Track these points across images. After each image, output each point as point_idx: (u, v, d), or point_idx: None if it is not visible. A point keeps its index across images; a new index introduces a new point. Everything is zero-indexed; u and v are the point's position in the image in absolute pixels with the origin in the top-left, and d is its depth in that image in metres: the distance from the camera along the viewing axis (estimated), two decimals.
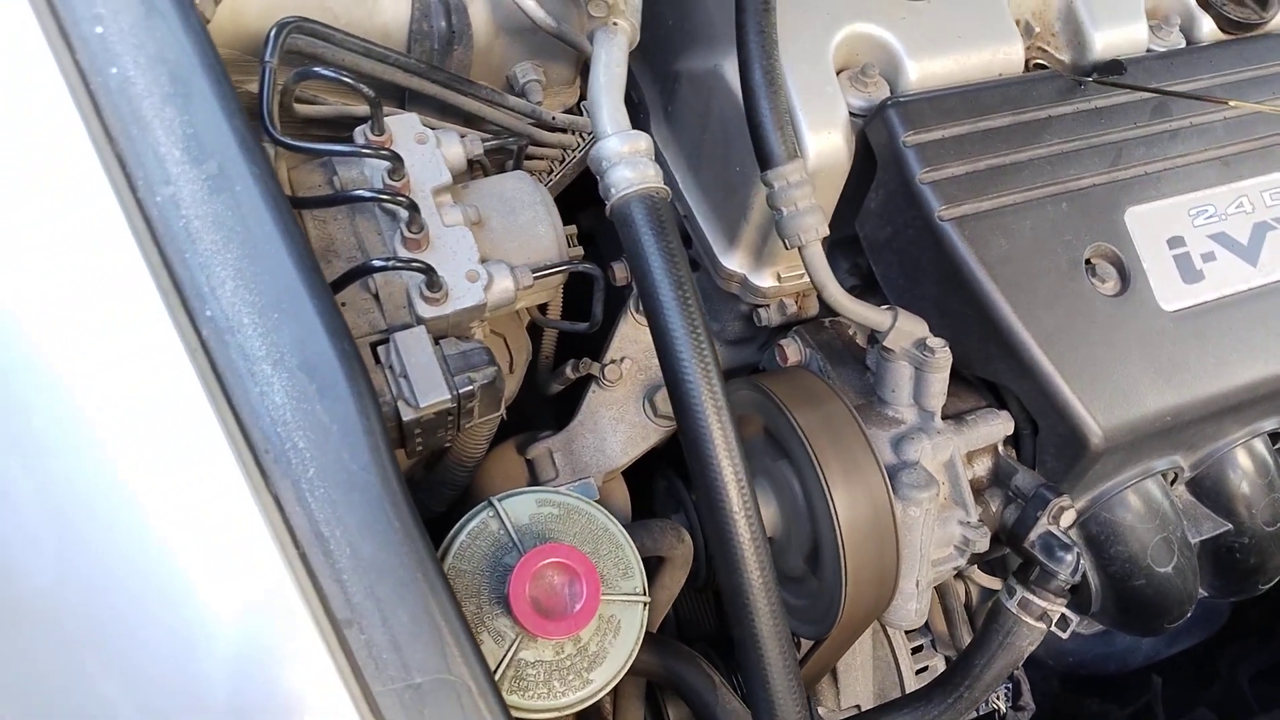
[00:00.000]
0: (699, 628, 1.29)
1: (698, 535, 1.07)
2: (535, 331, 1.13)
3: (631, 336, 1.14)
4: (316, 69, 0.77)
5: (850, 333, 1.05)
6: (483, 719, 0.61)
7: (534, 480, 1.11)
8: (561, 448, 1.11)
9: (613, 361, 1.12)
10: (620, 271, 1.13)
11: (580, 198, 1.14)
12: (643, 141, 0.83)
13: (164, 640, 0.58)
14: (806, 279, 1.06)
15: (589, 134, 1.10)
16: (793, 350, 1.05)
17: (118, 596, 0.57)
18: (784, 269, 1.06)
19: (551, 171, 1.12)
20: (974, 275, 0.90)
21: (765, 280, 1.06)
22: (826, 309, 1.13)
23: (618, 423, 1.12)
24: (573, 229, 1.05)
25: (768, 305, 1.10)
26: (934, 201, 0.91)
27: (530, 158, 1.06)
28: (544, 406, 1.23)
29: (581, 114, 1.10)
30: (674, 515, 1.15)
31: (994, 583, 1.26)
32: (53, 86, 0.60)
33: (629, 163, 0.82)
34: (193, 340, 0.59)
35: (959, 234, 0.91)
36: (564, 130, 1.06)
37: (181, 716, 0.58)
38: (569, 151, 1.10)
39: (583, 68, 1.15)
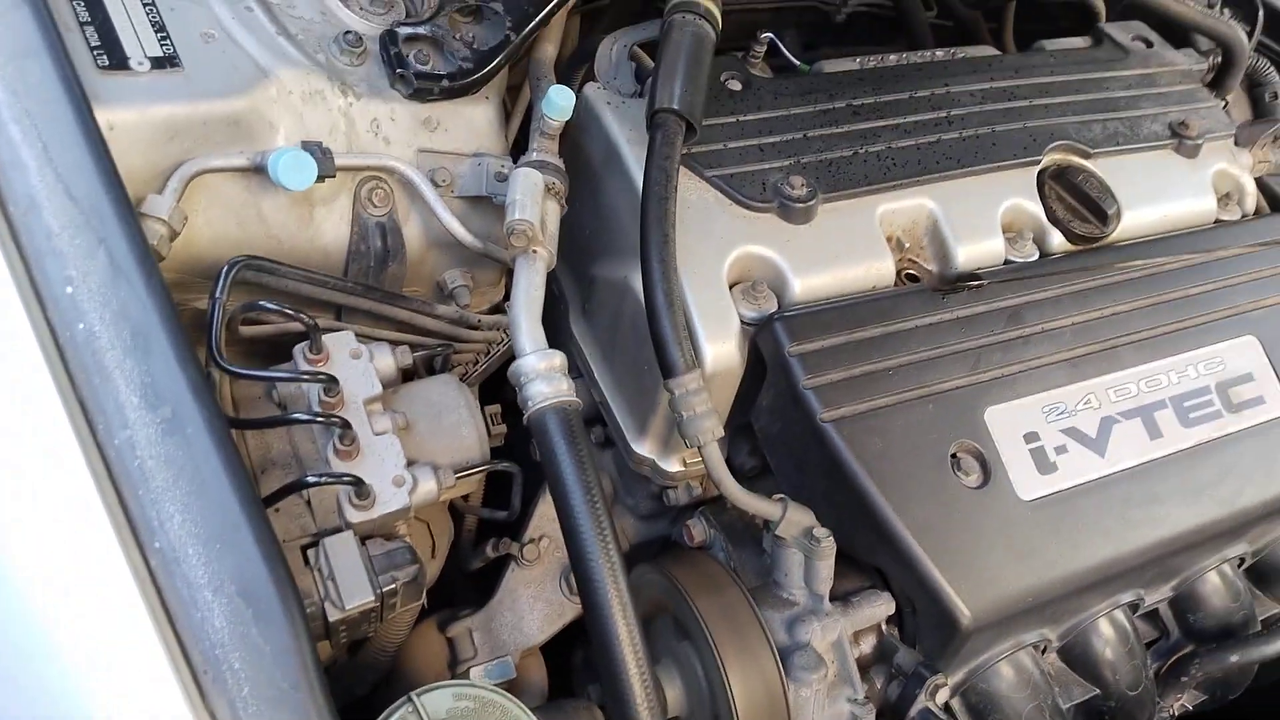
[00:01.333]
0: None
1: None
2: (457, 511, 1.21)
3: (549, 515, 1.22)
4: (261, 302, 0.86)
5: (749, 515, 1.15)
6: None
7: (453, 658, 1.16)
8: (480, 626, 1.17)
9: (531, 541, 1.19)
10: None
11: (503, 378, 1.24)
12: (557, 359, 0.93)
13: None
14: None
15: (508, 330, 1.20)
16: (698, 530, 1.14)
17: None
18: (689, 456, 1.16)
19: (477, 363, 1.21)
20: (853, 471, 1.01)
21: (672, 465, 1.16)
22: None
23: (535, 600, 1.19)
24: (496, 408, 1.14)
25: (675, 487, 1.19)
26: (816, 405, 1.02)
27: (458, 352, 1.15)
28: (465, 581, 1.29)
29: (505, 313, 1.20)
30: (590, 686, 1.21)
31: None
32: (24, 340, 0.67)
33: (545, 378, 0.92)
34: (142, 570, 0.66)
35: (838, 434, 1.02)
36: (490, 329, 1.17)
37: None
38: (494, 345, 1.20)
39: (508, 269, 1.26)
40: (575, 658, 1.26)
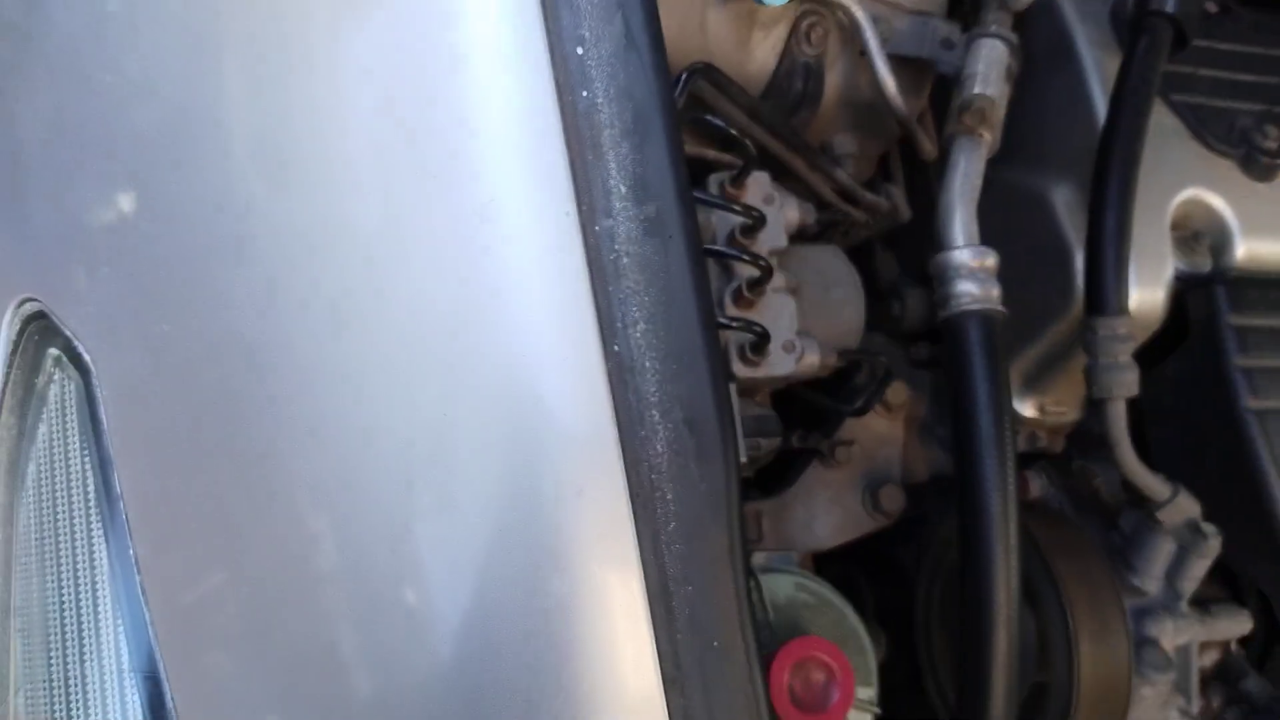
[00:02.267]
0: None
1: None
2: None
3: (864, 422, 1.14)
4: (709, 117, 0.79)
5: (1095, 481, 1.04)
6: None
7: None
8: (771, 513, 1.10)
9: (843, 443, 1.11)
10: None
11: None
12: (991, 259, 0.83)
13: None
14: (1067, 418, 1.06)
15: (881, 215, 1.10)
16: (1036, 484, 1.04)
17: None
18: (1050, 402, 1.05)
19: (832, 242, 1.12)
20: (1265, 472, 0.89)
21: (1028, 410, 1.05)
22: (1070, 451, 1.12)
23: (833, 504, 1.11)
24: None
25: (1017, 433, 1.09)
26: (1243, 389, 0.90)
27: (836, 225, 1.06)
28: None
29: (880, 194, 1.10)
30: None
31: None
32: (539, 96, 0.61)
33: (976, 278, 0.82)
34: (599, 370, 0.61)
35: (1260, 428, 0.89)
36: (863, 207, 1.06)
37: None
38: (856, 227, 1.10)
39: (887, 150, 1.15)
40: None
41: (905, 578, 1.12)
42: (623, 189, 0.63)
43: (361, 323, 0.59)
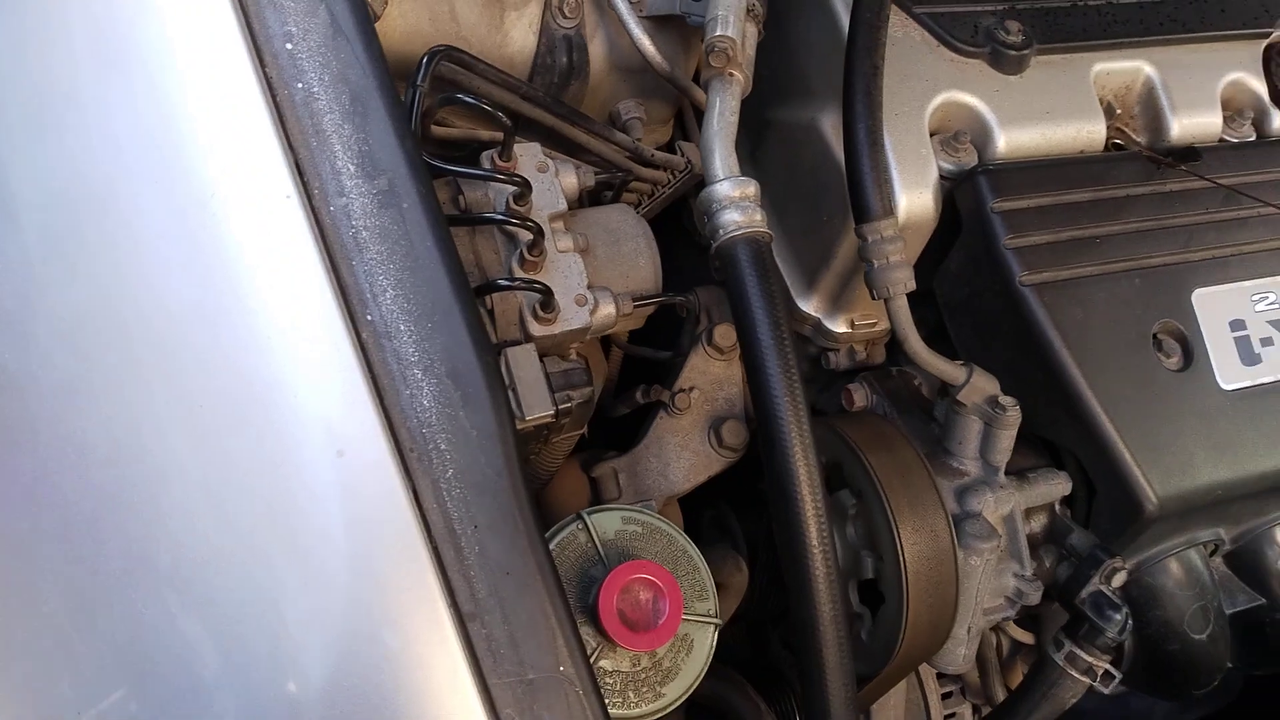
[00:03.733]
0: (734, 656, 1.33)
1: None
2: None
3: (701, 368, 1.18)
4: (461, 96, 0.82)
5: (915, 383, 1.10)
6: (586, 717, 0.65)
7: (596, 498, 1.15)
8: (626, 469, 1.14)
9: (682, 390, 1.16)
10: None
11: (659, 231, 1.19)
12: (751, 187, 0.88)
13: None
14: (878, 328, 1.12)
15: (679, 172, 1.15)
16: (859, 395, 1.09)
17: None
18: (858, 316, 1.11)
19: (640, 205, 1.16)
20: (1049, 341, 0.95)
21: (839, 326, 1.11)
22: (892, 359, 1.18)
23: (682, 449, 1.16)
24: None
25: (837, 350, 1.14)
26: (1016, 267, 0.96)
27: (628, 187, 1.11)
28: (599, 428, 1.27)
29: (676, 152, 1.15)
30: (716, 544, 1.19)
31: (1026, 637, 1.29)
32: (247, 95, 0.64)
33: (738, 207, 0.86)
34: (353, 340, 0.64)
35: (1038, 300, 0.95)
36: (658, 167, 1.11)
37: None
38: (659, 187, 1.15)
39: (678, 110, 1.21)
40: (703, 515, 1.23)
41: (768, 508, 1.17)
42: (351, 168, 0.66)
43: (109, 332, 0.61)
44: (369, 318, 0.65)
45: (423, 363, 0.65)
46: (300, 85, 0.66)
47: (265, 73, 0.66)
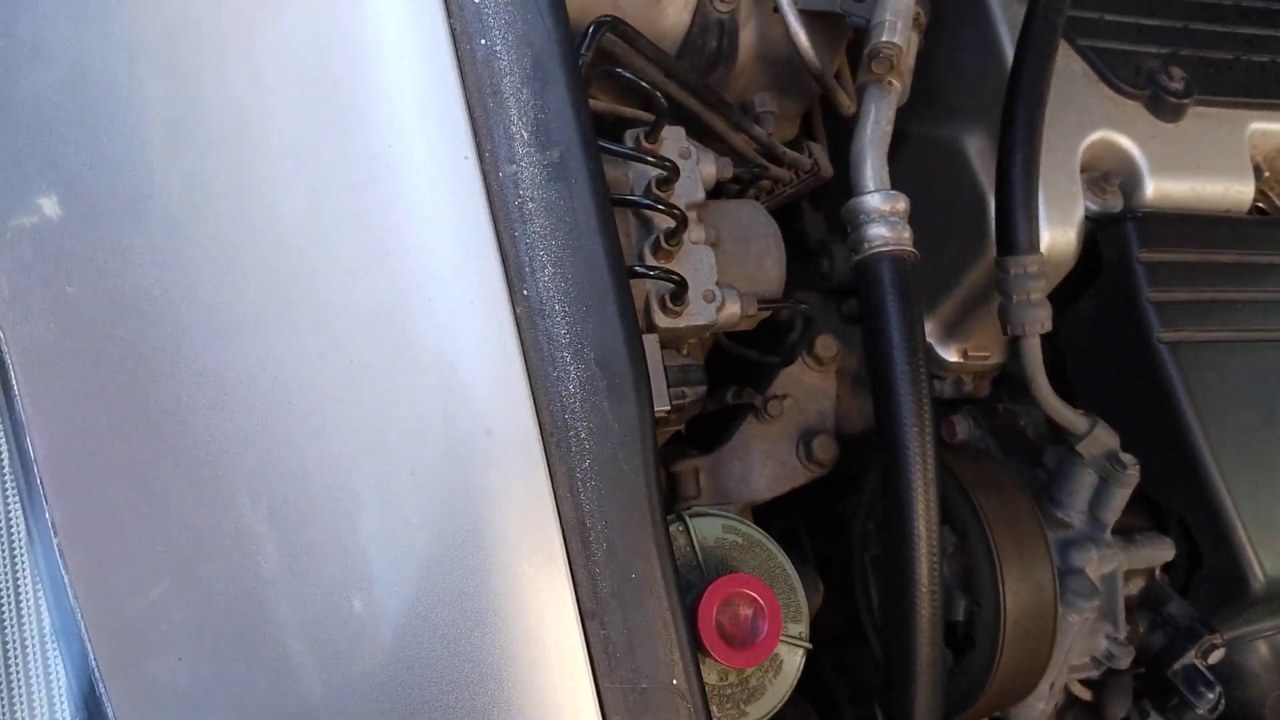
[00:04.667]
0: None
1: None
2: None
3: (797, 376, 1.16)
4: (621, 70, 0.80)
5: (1020, 424, 1.06)
6: None
7: (675, 494, 1.12)
8: (708, 469, 1.12)
9: (775, 397, 1.13)
10: None
11: None
12: (902, 203, 0.85)
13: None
14: (990, 361, 1.09)
15: (805, 173, 1.11)
16: (962, 428, 1.06)
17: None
18: (972, 347, 1.07)
19: (758, 201, 1.13)
20: (1179, 401, 0.91)
21: (951, 355, 1.07)
22: (995, 394, 1.15)
23: (768, 457, 1.13)
24: None
25: (944, 379, 1.11)
26: (1155, 322, 0.92)
27: (758, 182, 1.08)
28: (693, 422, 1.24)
29: (803, 151, 1.11)
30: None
31: (1085, 694, 1.26)
32: (433, 44, 0.62)
33: (887, 222, 0.83)
34: (510, 315, 0.61)
35: (1173, 359, 0.92)
36: (787, 165, 1.08)
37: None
38: (780, 185, 1.12)
39: (808, 108, 1.17)
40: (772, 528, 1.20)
41: (845, 528, 1.14)
42: (525, 135, 0.63)
43: (264, 271, 0.59)
44: (525, 293, 0.62)
45: (573, 346, 0.63)
46: (484, 42, 0.64)
47: (451, 24, 0.63)
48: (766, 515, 1.21)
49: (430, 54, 0.62)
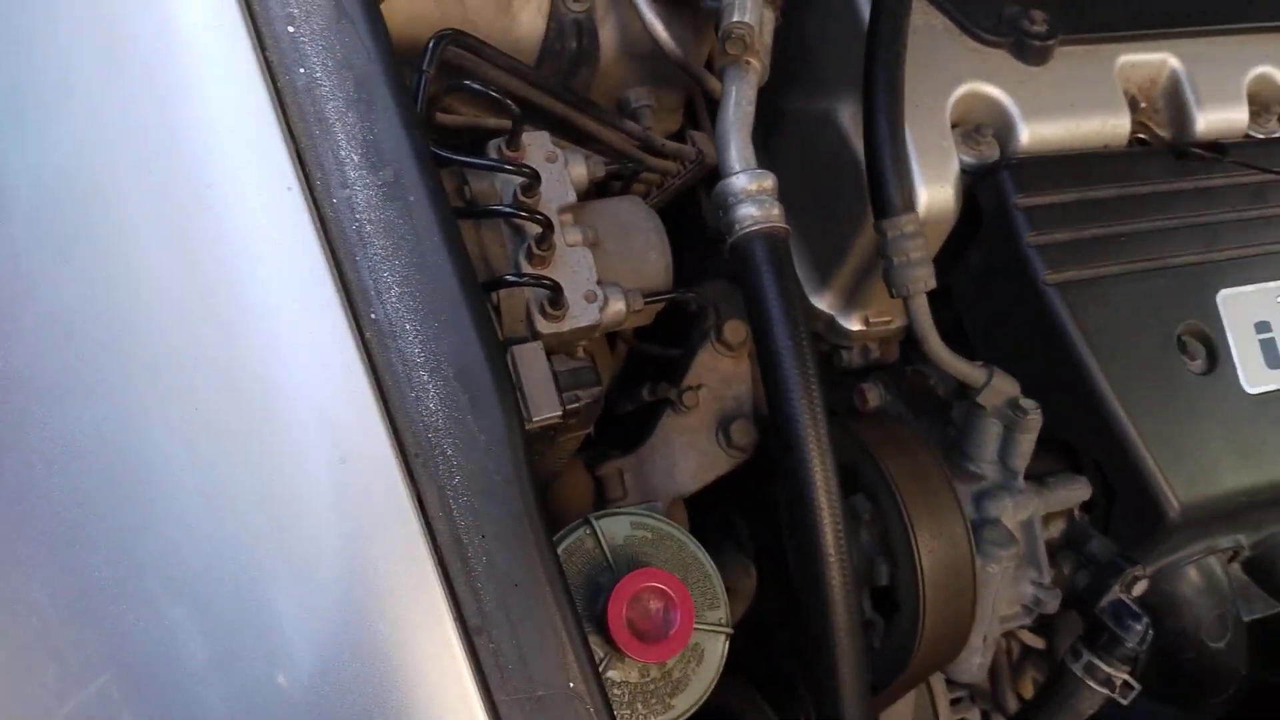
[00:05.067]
0: (740, 661, 1.30)
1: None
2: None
3: (710, 365, 1.15)
4: (469, 83, 0.79)
5: (930, 383, 1.07)
6: None
7: (600, 498, 1.12)
8: (632, 468, 1.12)
9: (690, 388, 1.13)
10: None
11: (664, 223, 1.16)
12: (769, 180, 0.85)
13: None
14: (893, 325, 1.09)
15: (690, 162, 1.11)
16: (873, 395, 1.06)
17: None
18: (873, 314, 1.08)
19: (648, 196, 1.13)
20: (1072, 341, 0.92)
21: (853, 324, 1.08)
22: (905, 357, 1.15)
23: (689, 449, 1.13)
24: None
25: (850, 348, 1.12)
26: (1039, 265, 0.93)
27: (638, 178, 1.08)
28: (603, 425, 1.24)
29: (686, 141, 1.11)
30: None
31: (1038, 642, 1.27)
32: (246, 80, 0.61)
33: (755, 200, 0.83)
34: (356, 340, 0.61)
35: (1061, 299, 0.93)
36: (669, 157, 1.08)
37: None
38: (668, 178, 1.12)
39: (688, 98, 1.17)
40: (712, 517, 1.20)
41: (777, 511, 1.14)
42: (355, 158, 0.63)
43: (101, 331, 0.58)
44: (373, 316, 0.62)
45: (429, 364, 0.62)
46: (302, 70, 0.63)
47: (265, 56, 0.63)
48: (702, 506, 1.21)
49: (244, 89, 0.61)
